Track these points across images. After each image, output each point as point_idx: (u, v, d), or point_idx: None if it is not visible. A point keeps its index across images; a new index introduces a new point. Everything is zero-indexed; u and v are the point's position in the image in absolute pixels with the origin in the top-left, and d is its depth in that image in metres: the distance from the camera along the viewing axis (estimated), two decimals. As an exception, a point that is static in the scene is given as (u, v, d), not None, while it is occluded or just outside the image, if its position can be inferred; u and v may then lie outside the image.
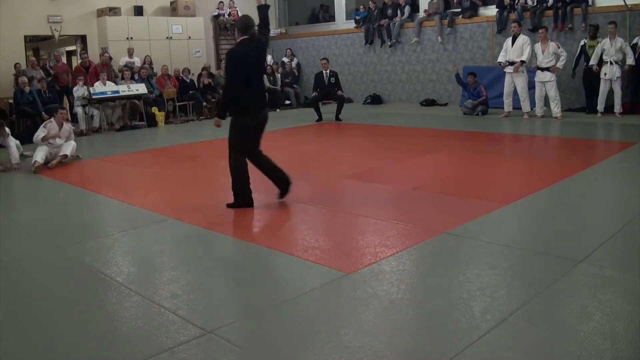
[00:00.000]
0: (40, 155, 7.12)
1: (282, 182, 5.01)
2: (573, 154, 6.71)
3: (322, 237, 4.06)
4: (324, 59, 11.89)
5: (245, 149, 4.81)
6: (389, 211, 4.71)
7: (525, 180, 5.58)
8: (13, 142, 7.37)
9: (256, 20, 4.89)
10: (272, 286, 3.23)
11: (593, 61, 9.50)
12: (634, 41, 9.50)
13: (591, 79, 9.78)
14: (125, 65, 12.10)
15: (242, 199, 4.87)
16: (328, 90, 11.39)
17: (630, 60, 9.18)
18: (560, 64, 9.61)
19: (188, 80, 12.95)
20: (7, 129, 7.41)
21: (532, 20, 10.99)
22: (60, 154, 7.33)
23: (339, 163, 6.87)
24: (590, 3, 10.49)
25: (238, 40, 4.86)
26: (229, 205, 4.90)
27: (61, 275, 3.37)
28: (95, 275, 3.47)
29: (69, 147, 7.43)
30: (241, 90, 4.64)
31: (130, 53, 12.68)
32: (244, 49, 4.73)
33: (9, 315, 2.92)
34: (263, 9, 5.03)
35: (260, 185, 5.95)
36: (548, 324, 2.61)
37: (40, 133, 7.29)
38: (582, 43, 10.00)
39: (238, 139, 4.76)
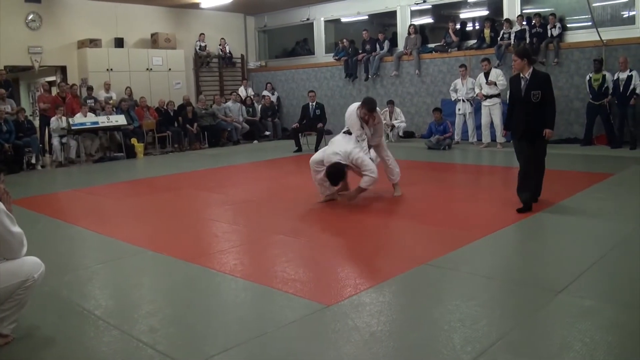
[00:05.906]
0: None
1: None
2: (551, 184, 6.83)
3: (302, 269, 4.04)
4: (311, 91, 12.31)
5: None
6: (369, 242, 4.72)
7: (503, 211, 5.64)
8: None
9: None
10: (251, 319, 3.20)
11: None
12: (615, 76, 9.77)
13: (597, 112, 10.07)
14: (106, 102, 12.10)
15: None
16: (312, 122, 11.64)
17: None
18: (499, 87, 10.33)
19: (172, 113, 13.02)
20: None
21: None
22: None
23: (318, 195, 6.89)
24: (561, 39, 10.87)
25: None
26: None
27: (38, 308, 3.29)
28: (73, 308, 3.40)
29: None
30: None
31: (107, 88, 12.69)
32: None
33: (-20, 351, 2.83)
34: None
35: (241, 217, 5.93)
36: (528, 355, 2.62)
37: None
38: (587, 77, 10.21)
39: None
